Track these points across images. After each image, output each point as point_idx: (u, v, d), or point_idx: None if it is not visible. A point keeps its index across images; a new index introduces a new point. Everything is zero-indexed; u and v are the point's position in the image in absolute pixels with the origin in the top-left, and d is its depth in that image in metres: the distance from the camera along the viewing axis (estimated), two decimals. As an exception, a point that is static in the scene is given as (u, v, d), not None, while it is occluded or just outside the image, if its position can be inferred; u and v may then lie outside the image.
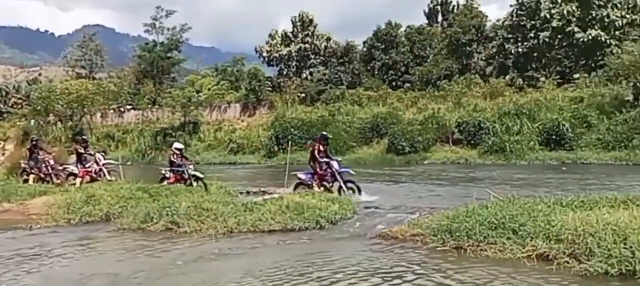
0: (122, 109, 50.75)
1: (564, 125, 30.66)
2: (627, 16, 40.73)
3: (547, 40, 41.91)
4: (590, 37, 39.90)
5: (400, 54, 49.73)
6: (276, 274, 7.44)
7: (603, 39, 39.76)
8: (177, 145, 17.40)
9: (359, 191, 14.85)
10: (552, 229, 7.54)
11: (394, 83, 48.21)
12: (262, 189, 17.40)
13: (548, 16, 41.85)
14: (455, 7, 54.86)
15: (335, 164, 15.22)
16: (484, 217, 8.35)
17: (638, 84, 31.33)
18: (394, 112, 38.00)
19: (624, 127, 29.36)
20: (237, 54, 58.10)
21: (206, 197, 12.67)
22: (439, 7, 56.86)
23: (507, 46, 44.50)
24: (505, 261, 7.46)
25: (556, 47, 42.62)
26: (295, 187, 15.30)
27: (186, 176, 16.17)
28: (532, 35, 42.90)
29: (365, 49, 52.78)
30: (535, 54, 43.65)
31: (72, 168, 18.62)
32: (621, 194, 9.73)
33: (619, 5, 40.96)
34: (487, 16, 48.73)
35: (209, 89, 48.51)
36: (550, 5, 42.41)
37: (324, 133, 16.73)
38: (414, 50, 50.12)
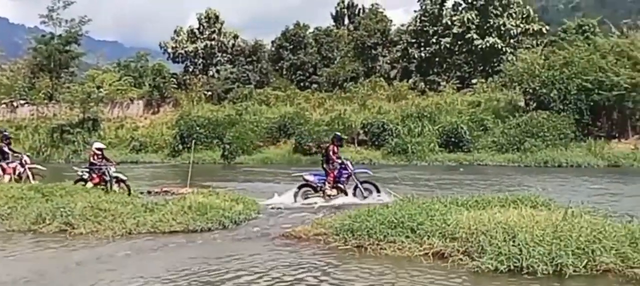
0: (15, 104, 47.90)
1: (462, 128, 32.01)
2: (521, 25, 43.29)
3: (448, 46, 43.78)
4: (487, 44, 42.06)
5: (308, 54, 50.16)
6: (175, 277, 7.25)
7: (499, 47, 42.05)
8: (97, 144, 16.48)
9: (378, 191, 14.26)
10: (448, 228, 7.84)
11: (301, 84, 48.55)
12: (165, 189, 16.97)
13: (449, 23, 43.75)
14: (361, 11, 55.98)
15: (349, 164, 14.74)
16: (384, 216, 8.55)
17: (529, 90, 33.26)
18: (301, 112, 38.25)
19: (516, 130, 31.06)
20: (142, 49, 56.46)
21: (104, 197, 12.17)
22: (345, 10, 57.81)
23: (410, 51, 46.01)
24: (403, 259, 7.66)
25: (456, 52, 44.56)
26: (299, 189, 14.60)
27: (107, 178, 15.29)
28: (434, 40, 44.67)
29: (273, 49, 52.84)
30: (437, 59, 45.39)
31: None
32: (512, 194, 10.26)
33: (514, 15, 43.45)
34: (391, 21, 50.16)
35: (110, 85, 46.66)
36: (452, 13, 44.41)
37: (338, 134, 16.03)
38: (321, 52, 50.70)
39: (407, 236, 8.04)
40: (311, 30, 53.08)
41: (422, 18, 46.04)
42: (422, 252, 7.68)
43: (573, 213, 7.81)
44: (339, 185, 14.41)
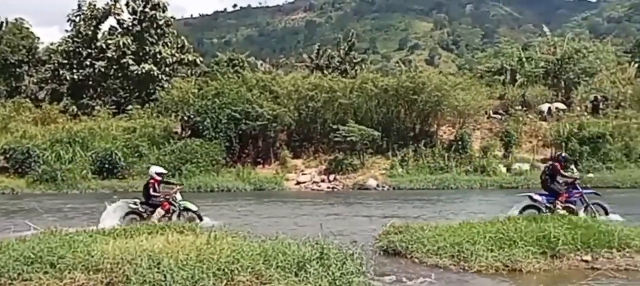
0: None
1: (116, 154, 31.32)
2: (177, 55, 44.55)
3: (103, 69, 42.59)
4: (143, 71, 42.06)
5: None
6: None
7: (155, 74, 42.45)
8: (157, 169, 14.22)
9: (606, 212, 13.97)
10: (92, 259, 7.49)
11: None
12: None
13: (104, 46, 42.74)
14: (5, 24, 50.59)
15: (578, 184, 14.57)
16: (20, 252, 7.80)
17: (185, 118, 34.37)
18: None
19: (172, 156, 31.65)
20: None
21: None
22: (-17, 23, 51.55)
23: (62, 72, 43.37)
24: (41, 298, 7.05)
25: (112, 77, 43.60)
26: (523, 210, 13.99)
27: (177, 209, 13.56)
28: (88, 63, 43.01)
29: None
30: (91, 82, 43.77)
31: None
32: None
33: (169, 44, 44.48)
34: (39, 38, 46.71)
35: None
36: (107, 36, 43.46)
37: (564, 154, 16.16)
38: (-48, 67, 44.16)
39: (46, 272, 7.43)
40: None
41: (75, 39, 43.85)
42: (62, 288, 7.18)
43: (216, 236, 8.24)
44: (570, 205, 14.10)
